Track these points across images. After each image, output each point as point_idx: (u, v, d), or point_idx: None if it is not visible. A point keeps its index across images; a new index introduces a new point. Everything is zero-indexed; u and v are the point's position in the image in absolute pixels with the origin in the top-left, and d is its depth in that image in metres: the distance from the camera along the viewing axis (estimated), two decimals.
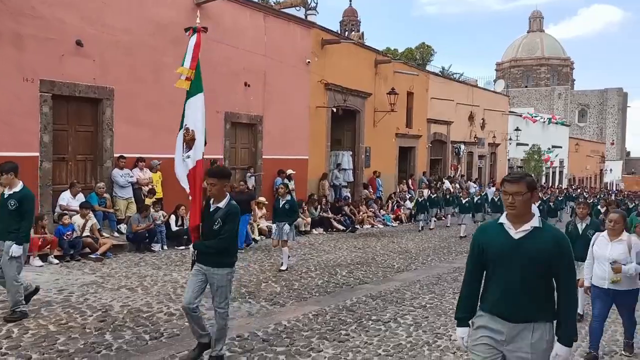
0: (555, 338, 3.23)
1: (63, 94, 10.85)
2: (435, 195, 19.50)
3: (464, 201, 17.33)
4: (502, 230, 3.28)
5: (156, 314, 6.64)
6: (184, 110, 5.78)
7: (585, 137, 60.72)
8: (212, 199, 5.05)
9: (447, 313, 7.25)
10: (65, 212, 10.24)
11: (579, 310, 7.08)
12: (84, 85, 11.13)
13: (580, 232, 7.13)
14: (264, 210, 14.21)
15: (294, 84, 16.34)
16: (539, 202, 17.52)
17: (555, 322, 3.24)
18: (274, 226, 10.28)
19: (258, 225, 13.52)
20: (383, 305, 7.60)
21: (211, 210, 5.02)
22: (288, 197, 10.03)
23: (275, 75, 15.63)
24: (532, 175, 4.19)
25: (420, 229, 17.65)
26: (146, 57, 12.13)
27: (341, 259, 11.39)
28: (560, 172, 45.47)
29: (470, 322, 3.42)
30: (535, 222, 3.22)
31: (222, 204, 4.99)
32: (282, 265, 9.85)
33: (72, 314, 6.48)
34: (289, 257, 10.04)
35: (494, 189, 20.88)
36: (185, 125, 5.70)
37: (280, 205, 9.99)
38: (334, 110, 18.02)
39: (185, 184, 5.63)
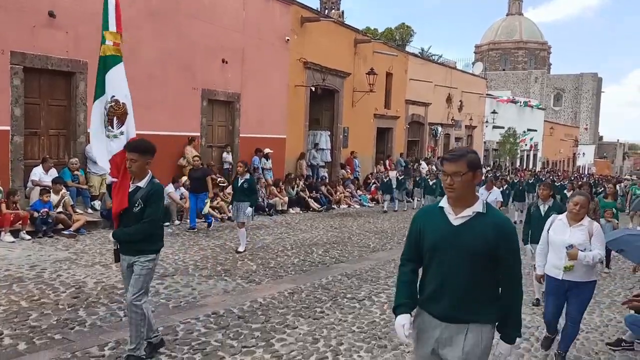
0: (498, 335, 2.88)
1: (35, 67, 10.59)
2: (402, 177, 18.84)
3: (431, 183, 17.24)
4: (441, 215, 2.84)
5: None
6: (102, 79, 4.90)
7: (560, 121, 61.74)
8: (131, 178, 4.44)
9: None
10: (47, 188, 10.03)
11: (537, 295, 7.05)
12: (57, 58, 10.87)
13: (543, 213, 6.78)
14: None
15: (272, 61, 16.18)
16: (506, 185, 17.60)
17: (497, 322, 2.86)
18: (232, 207, 9.80)
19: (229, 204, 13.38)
20: (358, 284, 7.69)
21: (130, 190, 4.40)
22: (247, 176, 9.43)
23: (253, 52, 15.45)
24: (479, 154, 3.89)
25: (384, 210, 17.30)
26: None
27: (317, 238, 11.46)
28: (535, 155, 46.23)
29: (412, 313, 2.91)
30: (478, 206, 2.78)
31: (142, 183, 4.39)
32: (239, 247, 9.45)
33: (44, 290, 6.41)
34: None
35: None
36: (114, 97, 4.92)
37: (239, 185, 9.35)
38: (313, 89, 17.93)
39: (105, 163, 4.74)
